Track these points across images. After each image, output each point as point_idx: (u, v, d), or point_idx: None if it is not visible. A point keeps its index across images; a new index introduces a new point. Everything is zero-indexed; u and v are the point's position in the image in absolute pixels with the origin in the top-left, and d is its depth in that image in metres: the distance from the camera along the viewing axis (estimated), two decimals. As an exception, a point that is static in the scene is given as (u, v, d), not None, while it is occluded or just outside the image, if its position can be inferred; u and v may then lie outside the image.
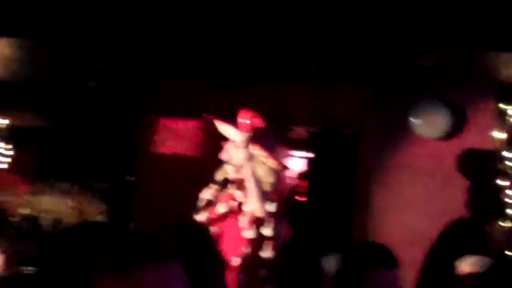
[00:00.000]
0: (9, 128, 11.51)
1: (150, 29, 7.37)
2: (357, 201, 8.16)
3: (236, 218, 5.00)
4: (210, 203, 4.92)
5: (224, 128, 5.20)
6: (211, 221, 4.97)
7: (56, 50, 8.48)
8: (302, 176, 9.74)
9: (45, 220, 10.32)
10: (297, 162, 10.21)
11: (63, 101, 10.20)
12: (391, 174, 7.98)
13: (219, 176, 5.09)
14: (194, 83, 8.41)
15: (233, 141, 5.08)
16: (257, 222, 5.03)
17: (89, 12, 7.35)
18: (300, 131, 9.20)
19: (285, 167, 5.17)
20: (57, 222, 10.13)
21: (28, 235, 9.41)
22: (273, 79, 8.30)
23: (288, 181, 9.94)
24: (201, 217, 4.90)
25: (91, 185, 11.28)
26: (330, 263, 5.58)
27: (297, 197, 9.67)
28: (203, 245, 2.86)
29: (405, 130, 7.81)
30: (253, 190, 4.96)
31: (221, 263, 2.91)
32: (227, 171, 5.06)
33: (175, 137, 8.33)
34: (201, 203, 4.91)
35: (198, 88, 8.33)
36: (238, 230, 4.94)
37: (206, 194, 4.96)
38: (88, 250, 3.10)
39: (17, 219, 10.15)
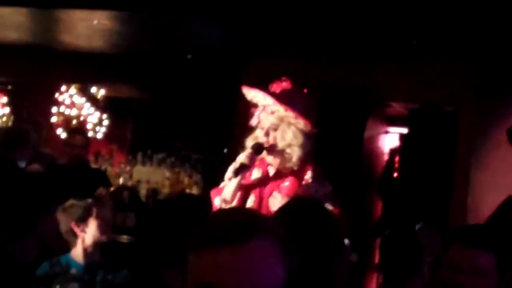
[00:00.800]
0: (106, 98, 11.72)
1: (250, 3, 7.36)
2: (455, 179, 8.04)
3: (269, 184, 4.94)
4: (245, 167, 4.85)
5: (251, 93, 5.13)
6: (248, 189, 4.92)
7: (156, 23, 8.53)
8: (395, 152, 9.67)
9: (142, 189, 10.47)
10: (392, 138, 10.14)
11: (162, 73, 10.31)
12: (491, 153, 7.85)
13: (248, 142, 5.02)
14: (295, 58, 8.39)
15: (261, 106, 5.01)
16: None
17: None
18: (399, 107, 9.12)
19: (315, 129, 5.05)
20: (153, 192, 10.27)
21: (125, 204, 9.56)
22: (373, 54, 8.23)
23: (381, 156, 9.92)
24: (233, 182, 4.83)
25: (187, 156, 11.42)
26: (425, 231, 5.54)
27: (389, 173, 9.60)
28: (321, 227, 2.82)
29: (508, 109, 7.66)
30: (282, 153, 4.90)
31: (341, 248, 2.85)
32: (257, 136, 5.00)
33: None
34: (236, 166, 4.85)
35: (298, 63, 8.32)
36: (273, 197, 4.89)
37: (241, 157, 4.90)
38: (183, 223, 3.12)
39: (113, 188, 10.30)
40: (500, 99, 7.78)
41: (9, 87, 12.27)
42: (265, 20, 7.73)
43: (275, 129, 4.85)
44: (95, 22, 8.41)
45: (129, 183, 10.77)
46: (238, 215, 1.89)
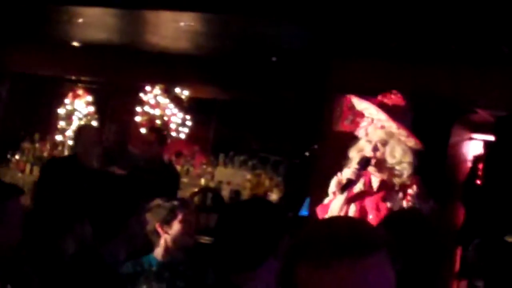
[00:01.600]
0: (190, 99, 11.80)
1: (337, 6, 7.32)
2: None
3: (373, 197, 4.85)
4: (351, 183, 4.76)
5: (363, 104, 5.05)
6: (350, 200, 4.84)
7: (241, 25, 8.55)
8: (479, 159, 9.51)
9: (224, 191, 10.50)
10: (477, 145, 9.99)
11: (245, 75, 10.33)
12: None
13: (352, 153, 4.94)
14: (379, 62, 8.33)
15: (370, 118, 4.92)
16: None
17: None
18: (484, 114, 8.97)
19: (423, 147, 4.96)
20: (236, 193, 10.29)
21: (208, 205, 9.61)
22: (460, 60, 8.11)
23: (464, 164, 9.77)
24: (340, 198, 4.75)
25: (268, 159, 11.42)
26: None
27: (473, 180, 9.45)
28: (421, 235, 2.79)
29: None
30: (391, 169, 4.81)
31: (441, 256, 2.83)
32: (363, 149, 4.91)
33: (359, 115, 8.29)
34: (342, 182, 4.76)
35: (382, 67, 8.25)
36: (377, 208, 4.80)
37: (347, 173, 4.82)
38: (257, 227, 3.10)
39: (196, 189, 10.36)
40: None
41: (94, 86, 12.45)
42: (349, 22, 7.68)
43: (384, 144, 4.79)
44: (182, 23, 8.47)
45: (211, 184, 10.80)
46: (354, 227, 1.79)
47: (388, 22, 7.47)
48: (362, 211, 4.79)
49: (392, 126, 4.79)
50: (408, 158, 4.79)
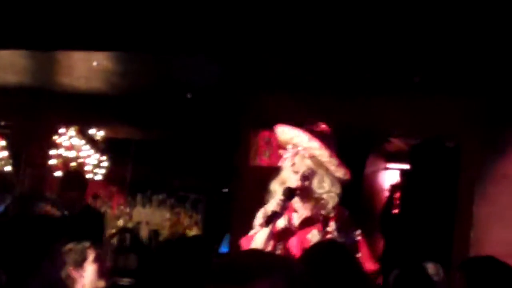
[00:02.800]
0: (105, 140, 11.64)
1: (250, 41, 7.31)
2: (457, 214, 7.94)
3: (297, 235, 4.77)
4: (276, 215, 4.69)
5: (291, 133, 4.95)
6: (276, 237, 4.74)
7: (153, 62, 8.49)
8: (396, 188, 9.59)
9: (143, 231, 10.36)
10: (393, 174, 10.07)
11: (161, 113, 10.25)
12: (494, 186, 7.76)
13: (274, 186, 4.86)
14: (293, 95, 8.34)
15: (296, 148, 4.85)
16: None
17: (186, 24, 7.34)
18: (398, 143, 9.06)
19: (350, 178, 4.91)
20: (154, 233, 10.17)
21: (126, 246, 9.46)
22: (373, 90, 8.17)
23: (381, 193, 9.84)
24: (265, 231, 4.67)
25: (187, 197, 11.33)
26: (432, 268, 5.45)
27: (390, 210, 9.51)
28: (340, 267, 2.75)
29: (510, 141, 7.60)
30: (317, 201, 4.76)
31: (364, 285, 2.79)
32: (286, 180, 4.84)
33: (275, 149, 8.28)
34: (266, 215, 4.69)
35: (296, 100, 8.27)
36: (301, 246, 4.70)
37: (272, 205, 4.73)
38: (184, 265, 3.03)
39: (114, 230, 10.20)
40: (503, 131, 7.72)
41: (7, 130, 12.18)
42: (264, 56, 7.68)
43: (312, 174, 4.70)
44: (95, 63, 8.36)
45: (129, 225, 10.66)
46: (246, 256, 1.93)
47: (303, 55, 7.49)
48: (288, 250, 4.70)
49: (324, 154, 4.72)
50: (336, 188, 4.73)
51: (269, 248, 4.57)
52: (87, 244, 5.18)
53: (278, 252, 4.63)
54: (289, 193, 4.66)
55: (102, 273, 5.15)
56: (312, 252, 2.92)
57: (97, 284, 5.11)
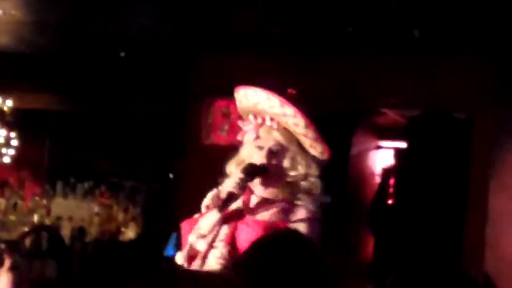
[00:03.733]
0: (15, 111, 11.58)
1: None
2: (469, 205, 8.03)
3: (250, 218, 4.78)
4: (232, 197, 4.69)
5: (259, 97, 4.93)
6: (226, 220, 4.77)
7: (79, 13, 8.47)
8: (389, 172, 9.66)
9: (65, 229, 10.35)
10: (385, 154, 10.13)
11: (87, 78, 10.22)
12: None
13: (230, 167, 4.84)
14: (257, 55, 8.37)
15: (261, 118, 4.84)
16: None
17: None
18: (393, 116, 9.11)
19: (329, 159, 4.90)
20: (79, 231, 10.16)
21: (42, 249, 9.43)
22: (359, 48, 8.20)
23: (371, 179, 9.91)
24: (213, 215, 4.68)
25: (121, 185, 11.33)
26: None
27: (382, 200, 9.59)
28: (298, 264, 2.79)
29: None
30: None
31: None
32: (244, 160, 4.83)
33: (236, 122, 8.29)
34: (218, 197, 4.70)
35: (262, 61, 8.31)
36: (256, 232, 4.71)
37: (228, 185, 4.73)
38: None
39: (26, 228, 10.17)
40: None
41: None
42: (219, 4, 7.68)
43: (282, 151, 4.70)
44: (0, 12, 8.32)
45: (47, 221, 10.65)
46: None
47: (268, 5, 7.50)
48: (235, 240, 4.71)
49: (299, 123, 4.71)
50: (314, 170, 4.73)
51: (213, 235, 4.57)
52: (2, 245, 5.19)
53: (223, 236, 4.64)
54: (252, 170, 4.65)
55: (20, 283, 5.16)
56: (261, 245, 2.94)
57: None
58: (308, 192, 4.64)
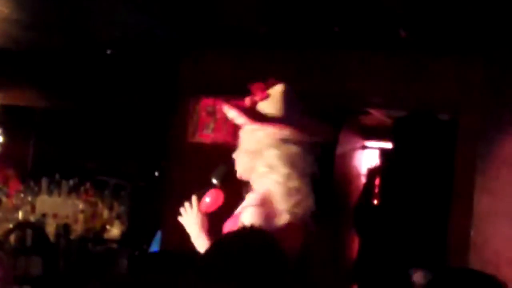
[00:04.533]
0: (1, 107, 11.57)
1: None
2: (453, 205, 8.04)
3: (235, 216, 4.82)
4: None
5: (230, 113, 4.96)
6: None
7: (64, 8, 8.46)
8: (375, 172, 9.67)
9: (49, 226, 10.33)
10: (370, 154, 10.15)
11: (72, 75, 10.21)
12: (498, 172, 7.87)
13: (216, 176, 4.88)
14: (243, 54, 8.38)
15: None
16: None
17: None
18: (379, 115, 9.13)
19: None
20: (64, 228, 10.13)
21: (27, 246, 9.42)
22: (344, 46, 8.20)
23: (357, 179, 9.93)
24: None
25: (106, 183, 11.31)
26: (420, 277, 5.53)
27: (367, 200, 9.60)
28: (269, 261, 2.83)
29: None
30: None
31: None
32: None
33: (221, 121, 8.30)
34: None
35: (247, 59, 8.32)
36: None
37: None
38: None
39: (11, 225, 10.14)
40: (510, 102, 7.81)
41: None
42: (205, 2, 7.68)
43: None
44: (-14, 8, 8.32)
45: (31, 218, 10.61)
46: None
47: (254, 3, 7.50)
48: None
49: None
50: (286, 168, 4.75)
51: None
52: None
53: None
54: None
55: (5, 283, 5.15)
56: (223, 243, 2.97)
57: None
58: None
